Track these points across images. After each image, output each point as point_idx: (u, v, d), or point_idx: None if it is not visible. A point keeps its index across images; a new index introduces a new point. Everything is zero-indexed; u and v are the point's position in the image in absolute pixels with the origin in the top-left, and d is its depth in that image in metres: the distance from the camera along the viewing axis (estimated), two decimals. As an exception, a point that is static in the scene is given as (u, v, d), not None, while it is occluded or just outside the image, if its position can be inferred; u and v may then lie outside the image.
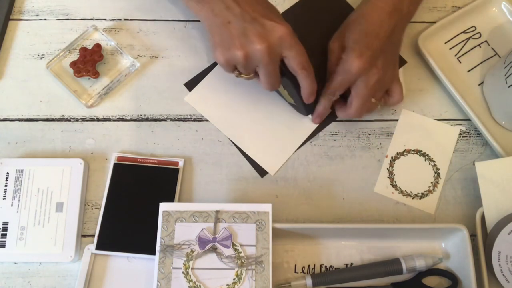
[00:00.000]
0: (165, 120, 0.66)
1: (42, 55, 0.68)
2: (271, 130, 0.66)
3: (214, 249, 0.55)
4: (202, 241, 0.55)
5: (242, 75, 0.59)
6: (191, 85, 0.67)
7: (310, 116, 0.65)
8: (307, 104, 0.61)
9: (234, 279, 0.54)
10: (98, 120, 0.66)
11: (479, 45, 0.70)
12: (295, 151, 0.65)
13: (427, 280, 0.59)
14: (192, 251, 0.55)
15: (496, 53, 0.70)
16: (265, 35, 0.54)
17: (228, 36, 0.55)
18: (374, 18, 0.61)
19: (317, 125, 0.66)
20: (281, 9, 0.71)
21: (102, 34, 0.69)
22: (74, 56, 0.68)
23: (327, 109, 0.64)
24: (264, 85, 0.58)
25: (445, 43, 0.70)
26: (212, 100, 0.67)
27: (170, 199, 0.61)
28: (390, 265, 0.58)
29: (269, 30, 0.54)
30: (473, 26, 0.71)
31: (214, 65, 0.68)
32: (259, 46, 0.53)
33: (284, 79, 0.58)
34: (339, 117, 0.65)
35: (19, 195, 0.60)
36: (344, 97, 0.63)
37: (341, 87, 0.61)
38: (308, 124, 0.66)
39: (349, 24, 0.64)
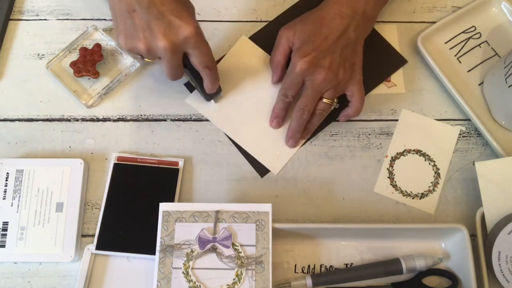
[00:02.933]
0: (165, 120, 0.66)
1: (42, 55, 0.68)
2: (273, 130, 0.66)
3: (214, 249, 0.55)
4: (202, 241, 0.55)
5: (146, 59, 0.60)
6: (191, 85, 0.67)
7: (212, 101, 0.66)
8: (208, 94, 0.63)
9: (234, 279, 0.54)
10: (98, 120, 0.66)
11: (479, 45, 0.70)
12: (298, 149, 0.65)
13: (427, 280, 0.59)
14: (192, 251, 0.55)
15: (496, 53, 0.70)
16: (170, 33, 0.53)
17: (132, 25, 0.54)
18: (326, 19, 0.61)
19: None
20: (281, 9, 0.71)
21: (102, 34, 0.69)
22: (74, 56, 0.68)
23: (282, 110, 0.64)
24: (166, 75, 0.59)
25: (445, 43, 0.70)
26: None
27: (170, 199, 0.61)
28: (390, 265, 0.58)
29: (175, 29, 0.53)
30: (473, 26, 0.71)
31: (214, 65, 0.68)
32: (162, 43, 0.53)
33: (187, 70, 0.60)
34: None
35: (19, 195, 0.60)
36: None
37: (290, 87, 0.62)
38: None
39: (304, 21, 0.64)
